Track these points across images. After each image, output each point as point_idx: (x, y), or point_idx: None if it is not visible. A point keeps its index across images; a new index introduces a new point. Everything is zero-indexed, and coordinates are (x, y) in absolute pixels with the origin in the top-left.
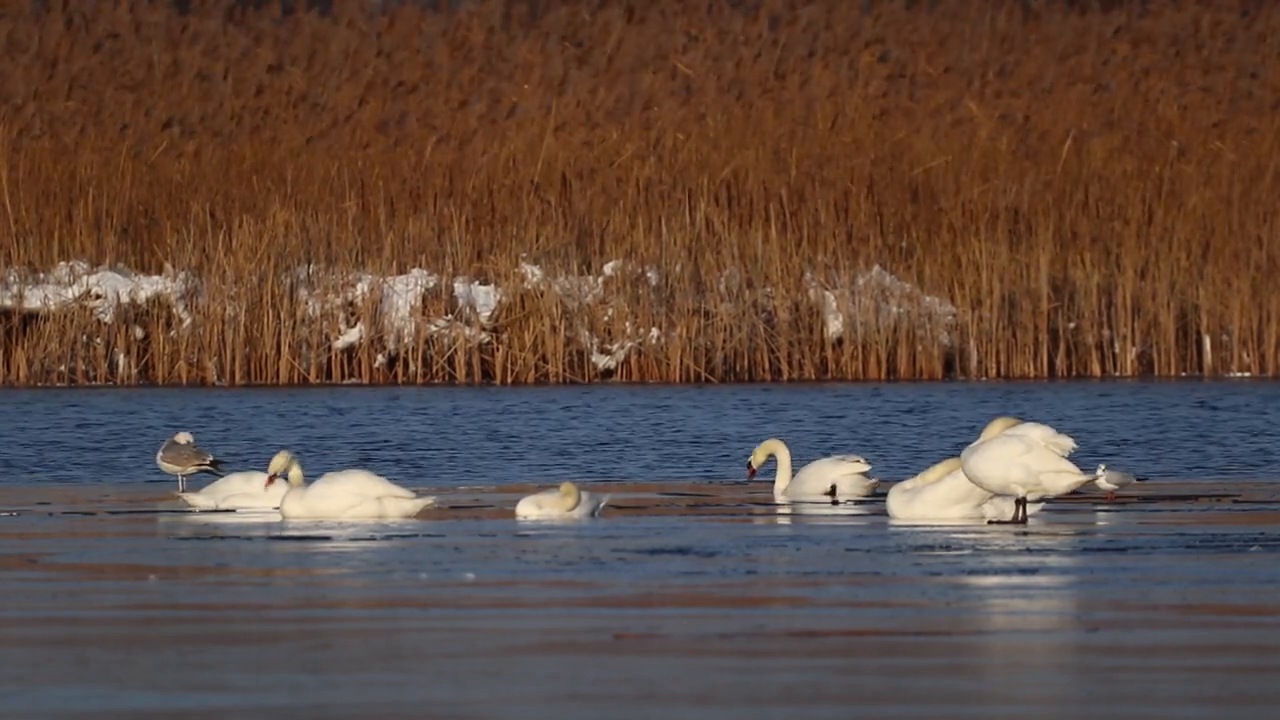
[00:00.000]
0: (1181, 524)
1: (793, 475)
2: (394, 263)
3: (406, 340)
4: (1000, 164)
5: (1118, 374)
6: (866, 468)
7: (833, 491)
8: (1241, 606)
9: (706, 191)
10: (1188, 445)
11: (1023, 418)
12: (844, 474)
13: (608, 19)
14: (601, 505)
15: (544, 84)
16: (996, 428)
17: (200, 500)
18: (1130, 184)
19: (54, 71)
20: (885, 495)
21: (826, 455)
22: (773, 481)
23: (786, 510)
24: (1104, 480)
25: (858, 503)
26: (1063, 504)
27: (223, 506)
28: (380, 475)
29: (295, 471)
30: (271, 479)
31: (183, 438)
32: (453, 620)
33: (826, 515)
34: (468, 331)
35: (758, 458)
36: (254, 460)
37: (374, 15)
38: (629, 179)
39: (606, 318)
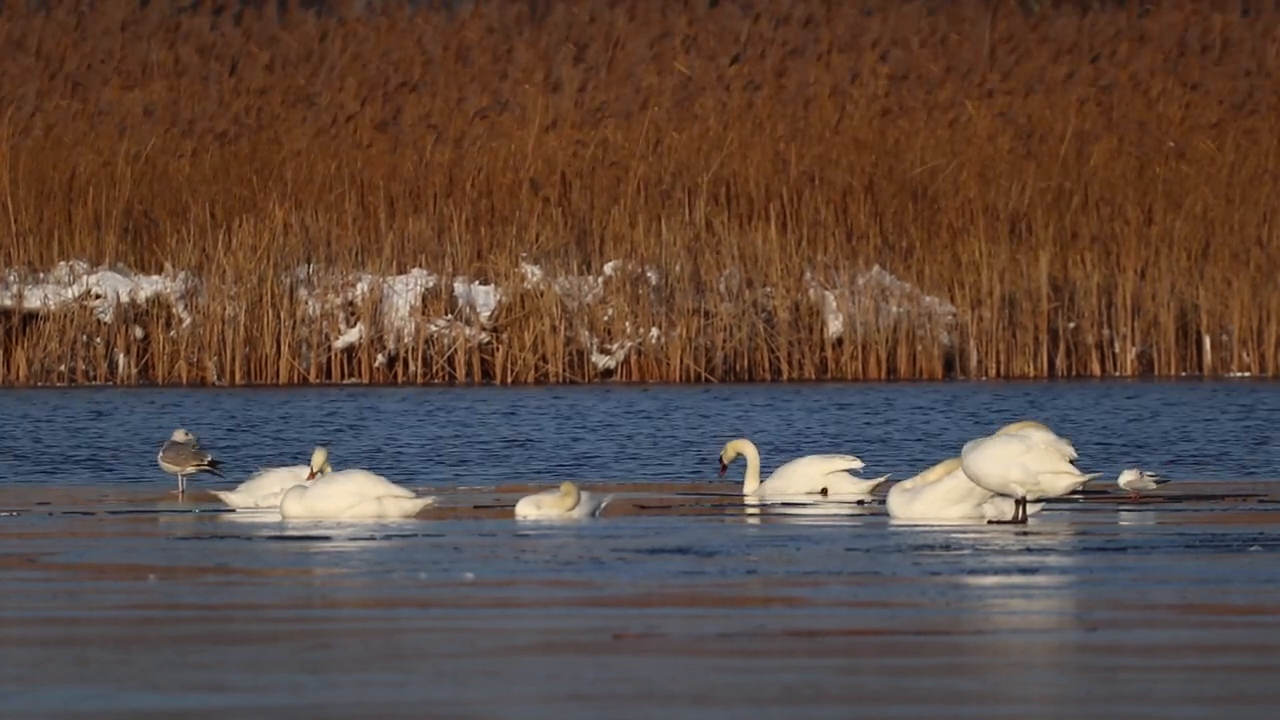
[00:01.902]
0: (1182, 524)
1: (761, 477)
2: (394, 262)
3: (406, 340)
4: (1000, 164)
5: (1117, 374)
6: (858, 465)
7: (824, 490)
8: (1241, 606)
9: (706, 191)
10: (1220, 445)
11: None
12: (835, 470)
13: (608, 19)
14: (603, 505)
15: (543, 83)
16: (1013, 431)
17: (237, 499)
18: (1130, 184)
19: (54, 71)
20: (877, 497)
21: (819, 453)
22: (742, 481)
23: (786, 510)
24: (1126, 481)
25: (849, 502)
26: (1091, 503)
27: (262, 505)
28: (380, 475)
29: (328, 470)
30: (313, 474)
31: (182, 437)
32: (453, 620)
33: (826, 515)
34: (468, 331)
35: (728, 454)
36: (247, 463)
37: (375, 14)
38: (629, 178)
39: (606, 317)
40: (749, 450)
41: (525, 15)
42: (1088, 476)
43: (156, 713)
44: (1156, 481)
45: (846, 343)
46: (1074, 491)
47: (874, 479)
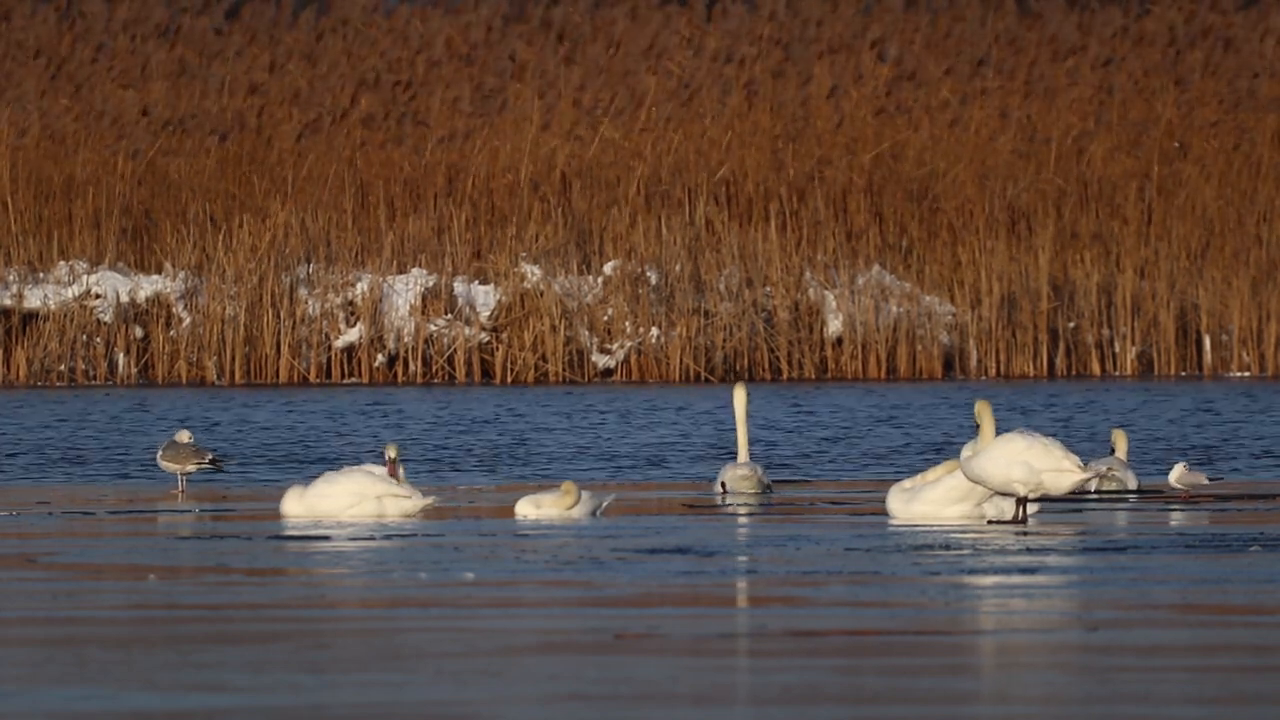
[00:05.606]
0: (1182, 524)
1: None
2: (394, 262)
3: (406, 340)
4: (1000, 164)
5: (1117, 373)
6: (750, 469)
7: (724, 489)
8: (1241, 606)
9: (706, 191)
10: (1264, 445)
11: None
12: (734, 475)
13: (607, 18)
14: (605, 505)
15: (542, 83)
16: (985, 411)
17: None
18: (1130, 184)
19: (54, 71)
20: (773, 490)
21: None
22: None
23: (787, 510)
24: (1177, 478)
25: (746, 496)
26: (1143, 502)
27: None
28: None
29: (399, 472)
30: (392, 467)
31: (183, 436)
32: (453, 620)
33: (825, 515)
34: (467, 331)
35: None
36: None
37: (374, 14)
38: (628, 178)
39: (606, 317)
40: (740, 410)
41: (524, 15)
42: (1091, 474)
43: (156, 713)
44: (1210, 478)
45: (846, 342)
46: (1078, 490)
47: (759, 474)
